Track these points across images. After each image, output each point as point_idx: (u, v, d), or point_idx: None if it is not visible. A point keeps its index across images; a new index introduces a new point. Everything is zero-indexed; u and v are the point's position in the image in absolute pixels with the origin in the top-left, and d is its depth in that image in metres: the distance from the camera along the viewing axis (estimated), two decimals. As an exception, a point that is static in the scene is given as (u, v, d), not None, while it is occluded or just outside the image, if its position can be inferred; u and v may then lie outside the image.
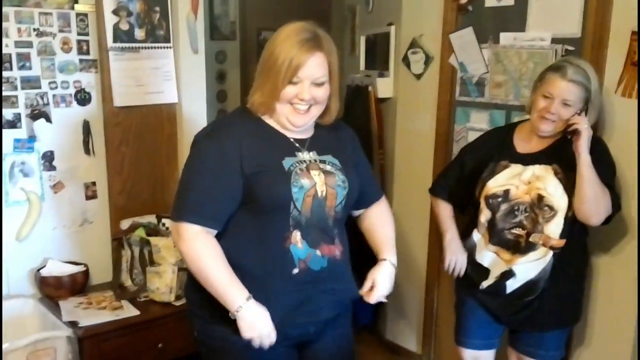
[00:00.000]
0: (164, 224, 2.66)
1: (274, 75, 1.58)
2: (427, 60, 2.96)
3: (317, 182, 1.65)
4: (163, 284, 2.52)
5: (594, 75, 2.06)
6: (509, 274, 2.15)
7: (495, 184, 2.13)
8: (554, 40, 2.56)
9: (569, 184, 2.02)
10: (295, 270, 1.63)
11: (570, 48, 2.52)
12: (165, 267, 2.52)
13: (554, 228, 2.06)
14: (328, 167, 1.70)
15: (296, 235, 1.63)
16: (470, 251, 2.26)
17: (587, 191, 1.95)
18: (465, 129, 2.94)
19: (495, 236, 2.15)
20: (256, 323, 1.59)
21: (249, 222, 1.63)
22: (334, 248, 1.71)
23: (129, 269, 2.61)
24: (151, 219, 2.68)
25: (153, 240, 2.54)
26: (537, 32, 2.64)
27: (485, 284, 2.21)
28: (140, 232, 2.59)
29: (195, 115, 2.86)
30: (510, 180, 2.11)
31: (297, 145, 1.69)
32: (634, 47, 2.24)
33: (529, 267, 2.11)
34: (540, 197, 2.05)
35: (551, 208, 2.05)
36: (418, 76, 3.01)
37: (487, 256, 2.20)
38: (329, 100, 1.68)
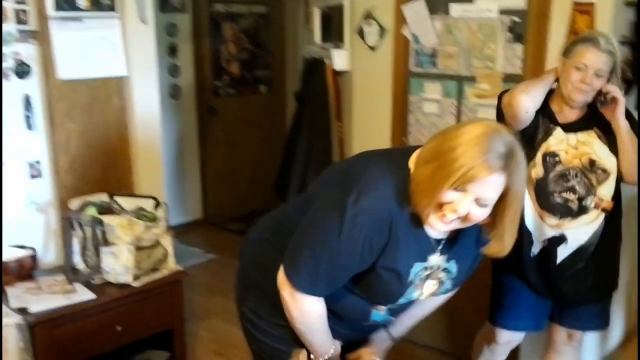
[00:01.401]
0: (116, 202, 2.54)
1: (444, 175, 1.35)
2: (382, 32, 2.95)
3: (424, 293, 1.61)
4: (119, 265, 2.41)
5: (618, 44, 2.07)
6: (559, 240, 2.10)
7: (553, 143, 2.08)
8: (502, 12, 2.61)
9: (613, 146, 2.03)
10: (364, 324, 1.68)
11: (517, 20, 2.58)
12: (120, 246, 2.41)
13: (607, 190, 2.06)
14: (444, 277, 1.62)
15: (384, 308, 1.64)
16: None
17: (633, 153, 1.99)
18: (420, 99, 2.96)
19: (543, 198, 2.09)
20: None
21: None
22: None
23: (82, 250, 2.47)
24: (103, 197, 2.55)
25: (106, 219, 2.42)
26: (485, 3, 2.67)
27: (534, 250, 2.13)
28: (92, 212, 2.46)
29: (147, 89, 2.74)
30: (561, 145, 2.08)
31: (432, 244, 1.53)
32: (575, 17, 2.34)
33: (580, 232, 2.09)
34: (592, 161, 2.05)
35: (604, 170, 2.05)
36: (373, 48, 2.99)
37: (533, 219, 2.12)
38: (500, 230, 1.45)
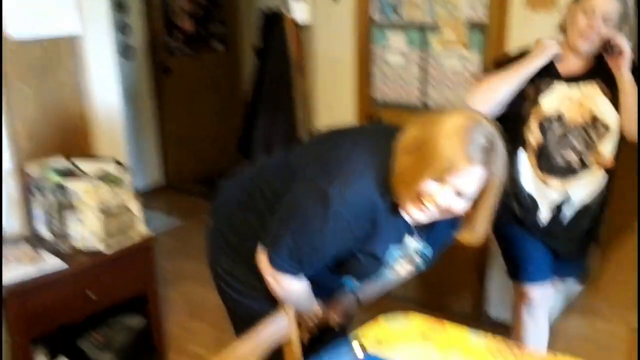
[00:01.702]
0: (77, 166, 2.45)
1: (424, 166, 1.36)
2: (343, -18, 2.90)
3: (400, 274, 1.65)
4: (87, 231, 2.34)
5: None
6: (564, 201, 2.10)
7: (549, 106, 2.02)
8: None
9: (616, 101, 2.00)
10: (336, 288, 1.73)
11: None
12: (86, 212, 2.33)
13: (608, 147, 2.04)
14: (419, 261, 1.64)
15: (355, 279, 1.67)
16: (513, 178, 2.11)
17: (634, 108, 1.95)
18: (383, 50, 2.94)
19: (545, 162, 2.06)
20: None
21: None
22: None
23: (46, 218, 2.39)
24: (62, 161, 2.45)
25: (70, 185, 2.32)
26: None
27: (543, 219, 2.13)
28: (53, 177, 2.37)
29: (101, 47, 2.62)
30: (561, 102, 2.02)
31: (410, 230, 1.55)
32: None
33: (582, 191, 2.08)
34: (594, 118, 2.01)
35: (606, 127, 2.01)
36: (334, -1, 2.94)
37: (535, 184, 2.10)
38: (474, 219, 1.48)
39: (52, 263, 2.25)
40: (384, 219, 1.46)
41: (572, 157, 2.04)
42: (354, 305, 1.87)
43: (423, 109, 2.87)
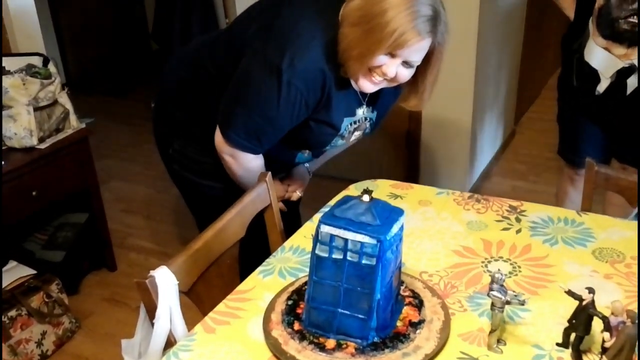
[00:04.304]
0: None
1: (375, 41, 1.37)
2: None
3: (349, 141, 1.72)
4: (20, 128, 2.25)
5: None
6: (629, 71, 1.95)
7: None
8: None
9: None
10: (289, 164, 1.82)
11: None
12: (18, 108, 2.23)
13: None
14: (367, 125, 1.71)
15: (308, 151, 1.74)
16: (579, 49, 2.01)
17: None
18: None
19: (607, 27, 1.91)
20: None
21: None
22: None
23: (-27, 118, 2.25)
24: (-18, 59, 2.29)
25: (-3, 81, 2.19)
26: None
27: (601, 89, 2.01)
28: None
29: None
30: None
31: (360, 99, 1.61)
32: None
33: None
34: None
35: None
36: None
37: (597, 54, 1.97)
38: (421, 87, 1.55)
39: (-11, 163, 2.16)
40: (335, 88, 1.51)
41: (637, 22, 1.87)
42: (307, 177, 1.96)
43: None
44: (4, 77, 2.22)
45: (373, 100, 1.65)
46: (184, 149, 1.78)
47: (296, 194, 1.92)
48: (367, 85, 1.49)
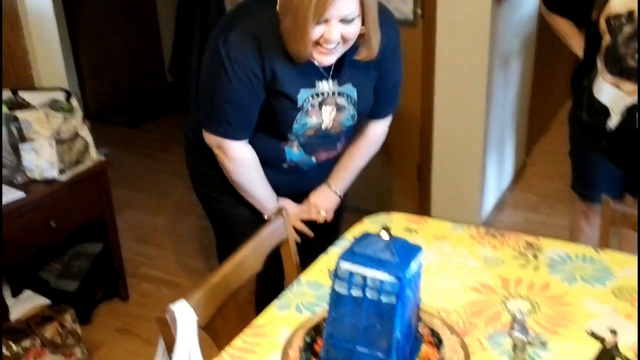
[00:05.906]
0: (22, 98, 2.37)
1: (301, 17, 1.42)
2: None
3: (324, 119, 1.67)
4: (42, 160, 2.29)
5: None
6: (636, 107, 1.95)
7: (619, 2, 1.86)
8: None
9: None
10: (285, 166, 1.78)
11: None
12: (41, 142, 2.28)
13: None
14: (343, 101, 1.67)
15: (294, 143, 1.72)
16: (589, 85, 2.02)
17: None
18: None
19: (615, 64, 1.92)
20: None
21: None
22: (333, 152, 1.82)
23: (-3, 150, 2.30)
24: (6, 93, 2.35)
25: (21, 115, 2.25)
26: None
27: (612, 124, 2.01)
28: (4, 110, 2.27)
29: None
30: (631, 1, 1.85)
31: (320, 71, 1.61)
32: None
33: None
34: None
35: None
36: None
37: (606, 90, 1.98)
38: (366, 35, 1.54)
39: (11, 194, 2.20)
40: (279, 59, 1.54)
41: None
42: (332, 197, 1.91)
43: None
44: (28, 112, 2.27)
45: (338, 72, 1.63)
46: (196, 164, 1.88)
47: (321, 215, 1.91)
48: (323, 58, 1.53)
